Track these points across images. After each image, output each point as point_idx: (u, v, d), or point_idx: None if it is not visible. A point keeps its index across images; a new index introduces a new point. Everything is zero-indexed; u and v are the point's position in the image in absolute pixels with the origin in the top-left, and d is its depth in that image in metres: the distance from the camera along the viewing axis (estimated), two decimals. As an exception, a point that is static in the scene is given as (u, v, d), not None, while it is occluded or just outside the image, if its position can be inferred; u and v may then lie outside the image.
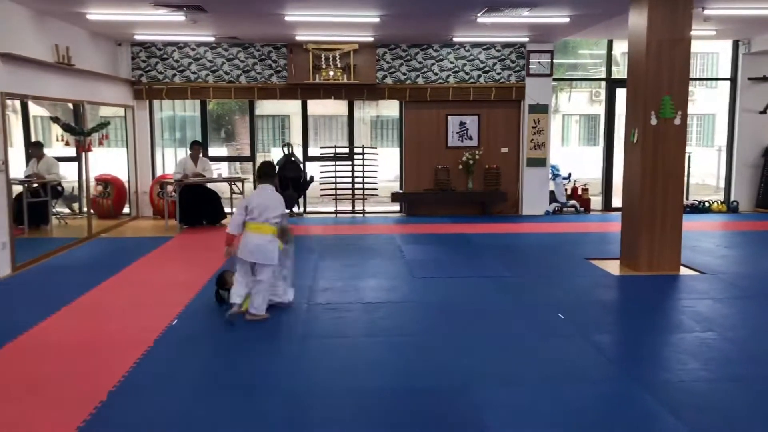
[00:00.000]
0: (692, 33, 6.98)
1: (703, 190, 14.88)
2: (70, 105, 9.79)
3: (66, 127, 9.25)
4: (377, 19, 8.90)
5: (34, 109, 10.32)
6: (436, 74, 11.57)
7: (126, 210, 11.55)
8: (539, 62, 11.51)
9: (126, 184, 11.43)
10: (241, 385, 4.04)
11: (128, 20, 8.96)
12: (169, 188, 10.31)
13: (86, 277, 6.86)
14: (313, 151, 12.13)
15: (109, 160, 11.46)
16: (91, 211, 9.93)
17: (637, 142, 7.10)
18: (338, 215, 11.82)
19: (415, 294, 6.27)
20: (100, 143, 9.91)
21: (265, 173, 5.65)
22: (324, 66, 11.06)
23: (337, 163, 11.79)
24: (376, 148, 12.17)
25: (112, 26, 9.47)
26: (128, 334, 5.02)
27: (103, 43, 10.30)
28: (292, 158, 11.53)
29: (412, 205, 11.83)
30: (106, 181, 11.15)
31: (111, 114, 11.57)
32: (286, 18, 8.76)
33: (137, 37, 10.59)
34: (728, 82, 12.24)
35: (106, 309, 5.76)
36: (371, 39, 10.75)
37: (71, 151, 10.09)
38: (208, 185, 10.58)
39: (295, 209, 11.78)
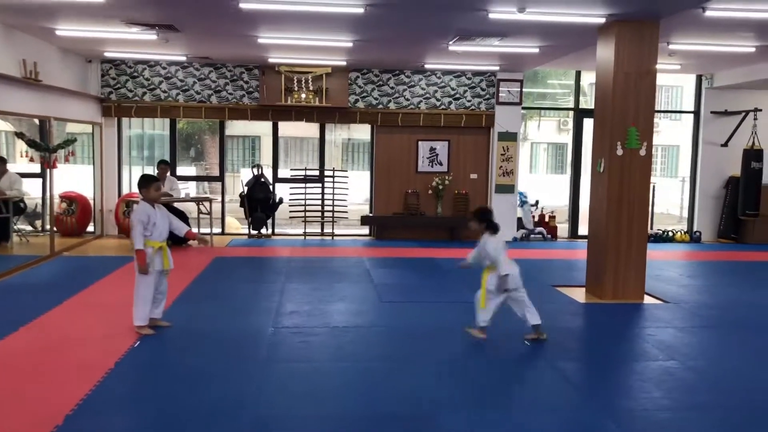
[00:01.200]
0: (658, 66, 7.16)
1: (667, 219, 15.16)
2: (36, 120, 9.64)
3: (31, 143, 9.09)
4: (350, 44, 8.96)
5: (-1, 124, 10.16)
6: (407, 100, 11.66)
7: (90, 228, 11.36)
8: (509, 91, 11.68)
9: (91, 202, 11.24)
10: (204, 409, 3.96)
11: (99, 37, 8.89)
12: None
13: (47, 296, 6.69)
14: (283, 173, 12.10)
15: (74, 178, 11.29)
16: (54, 228, 9.74)
17: (604, 171, 7.21)
18: (307, 237, 11.77)
19: (383, 318, 6.24)
20: (66, 160, 9.76)
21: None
22: (296, 88, 11.08)
23: (307, 185, 11.77)
24: (346, 171, 12.19)
25: (82, 42, 9.38)
26: (88, 356, 4.89)
27: (72, 59, 10.18)
28: (262, 179, 11.48)
29: (381, 229, 11.84)
30: (70, 199, 10.96)
31: (78, 130, 11.43)
32: (259, 40, 8.77)
33: (107, 54, 10.50)
34: (692, 115, 12.55)
35: (66, 330, 5.62)
36: (344, 63, 10.81)
37: (36, 168, 9.92)
38: (176, 205, 10.45)
39: (264, 230, 11.70)
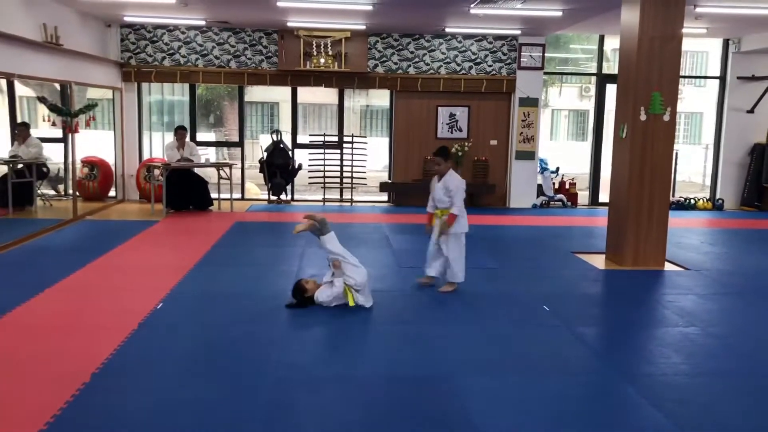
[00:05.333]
0: (683, 30, 7.01)
1: (689, 187, 14.99)
2: (57, 85, 9.69)
3: (53, 108, 9.15)
4: (370, 7, 8.86)
5: (21, 89, 10.21)
6: (427, 65, 11.55)
7: (112, 193, 11.47)
8: (531, 55, 11.51)
9: (113, 167, 11.34)
10: (227, 369, 4.03)
11: (118, 1, 8.87)
12: (156, 172, 10.24)
13: (70, 259, 6.80)
14: (302, 139, 12.09)
15: (96, 143, 11.37)
16: (77, 193, 9.85)
17: (626, 137, 7.13)
18: (326, 203, 11.80)
19: (402, 283, 6.28)
20: (87, 125, 9.82)
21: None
22: (315, 53, 11.01)
23: (326, 151, 11.76)
24: (365, 137, 12.15)
25: (102, 7, 9.37)
26: (112, 317, 4.99)
27: (92, 23, 10.18)
28: (281, 145, 11.48)
29: (400, 195, 11.84)
30: (92, 164, 11.06)
31: (99, 96, 11.47)
32: (278, 3, 8.70)
33: (127, 19, 10.48)
34: (717, 81, 12.31)
35: (91, 291, 5.72)
36: (363, 27, 10.70)
37: (58, 132, 10.00)
38: (196, 171, 10.52)
39: (283, 196, 11.74)
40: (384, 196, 12.25)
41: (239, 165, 11.94)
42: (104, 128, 12.28)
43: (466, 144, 11.60)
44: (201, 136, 12.79)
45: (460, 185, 5.86)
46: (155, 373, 3.97)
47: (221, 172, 10.71)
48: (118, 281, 6.08)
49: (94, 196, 11.03)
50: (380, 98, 15.20)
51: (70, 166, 9.74)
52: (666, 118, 7.03)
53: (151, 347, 4.40)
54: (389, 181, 11.94)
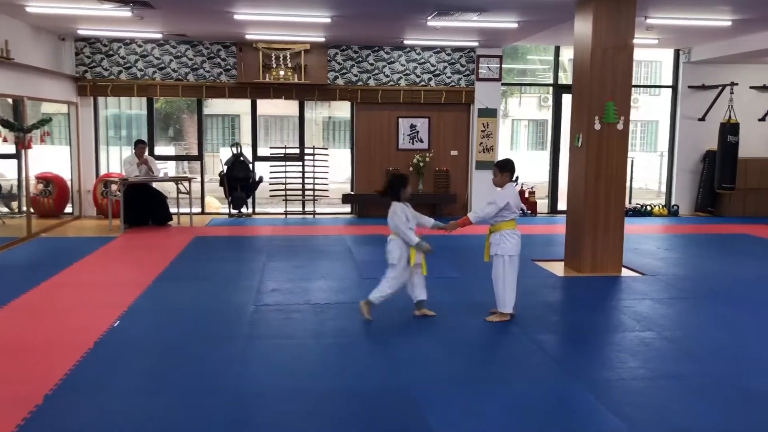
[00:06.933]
0: (635, 41, 7.18)
1: (646, 194, 15.31)
2: (9, 100, 9.47)
3: (4, 123, 8.93)
4: (328, 20, 8.88)
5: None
6: (387, 76, 11.61)
7: (68, 209, 11.24)
8: (488, 67, 11.66)
9: (69, 183, 11.12)
10: (184, 386, 3.97)
11: (71, 14, 8.71)
12: (114, 187, 10.06)
13: (24, 277, 6.64)
14: (263, 152, 12.02)
15: (51, 158, 11.14)
16: (31, 210, 9.62)
17: (582, 146, 7.25)
18: (288, 216, 11.74)
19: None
20: (42, 140, 9.61)
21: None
22: (274, 65, 10.97)
23: (287, 163, 11.71)
24: (327, 149, 12.14)
25: (54, 20, 9.20)
26: (68, 336, 4.88)
27: (45, 37, 9.98)
28: (241, 158, 11.41)
29: (363, 207, 11.84)
30: (47, 180, 10.82)
31: (54, 110, 11.26)
32: (236, 16, 8.66)
33: (81, 32, 10.31)
34: (670, 90, 12.63)
35: (44, 310, 5.59)
36: (323, 39, 10.72)
37: (11, 148, 9.76)
38: (155, 185, 10.38)
39: (244, 210, 11.65)
40: (347, 208, 12.24)
41: (199, 179, 11.81)
42: (60, 143, 12.05)
43: (427, 155, 11.67)
44: (160, 150, 12.64)
45: (498, 197, 5.49)
46: (110, 392, 3.88)
47: (180, 186, 10.58)
48: (73, 299, 5.95)
49: (50, 212, 10.78)
50: (343, 110, 15.23)
51: (24, 183, 9.51)
52: (620, 126, 7.18)
53: (106, 366, 4.31)
54: (352, 193, 11.94)
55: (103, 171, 11.53)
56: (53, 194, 10.85)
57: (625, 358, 4.61)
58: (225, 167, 11.39)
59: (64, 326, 5.15)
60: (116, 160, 11.98)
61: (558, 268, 7.53)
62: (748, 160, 11.92)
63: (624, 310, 5.85)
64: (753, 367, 4.48)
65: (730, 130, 11.38)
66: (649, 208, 12.46)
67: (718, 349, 4.84)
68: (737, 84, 11.56)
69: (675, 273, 7.41)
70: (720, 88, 11.81)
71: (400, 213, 5.38)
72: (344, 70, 11.50)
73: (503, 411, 3.69)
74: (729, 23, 9.00)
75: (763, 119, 12.22)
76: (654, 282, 6.94)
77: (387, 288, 5.36)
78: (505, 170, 5.55)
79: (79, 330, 5.01)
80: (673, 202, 12.59)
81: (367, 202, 11.77)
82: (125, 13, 8.38)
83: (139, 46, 11.05)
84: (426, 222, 5.66)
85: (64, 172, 11.13)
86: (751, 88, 12.11)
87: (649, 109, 20.22)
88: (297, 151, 11.84)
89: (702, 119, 12.21)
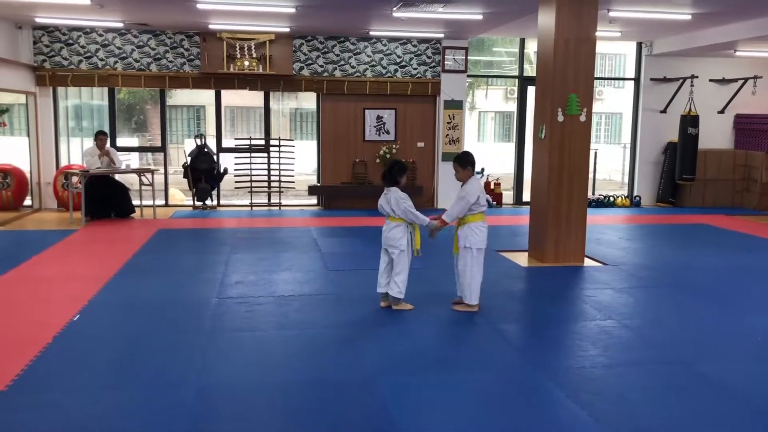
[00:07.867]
0: (598, 33, 7.26)
1: (609, 185, 15.53)
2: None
3: (-41, 114, 8.71)
4: (293, 10, 8.81)
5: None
6: (353, 68, 11.56)
7: (28, 202, 10.99)
8: (454, 58, 11.69)
9: (28, 175, 10.87)
10: (146, 381, 3.92)
11: (29, 1, 8.50)
12: (74, 179, 9.86)
13: (-20, 272, 6.48)
14: (228, 143, 11.90)
15: (9, 149, 10.88)
16: (-12, 202, 9.39)
17: (545, 138, 7.32)
18: (253, 208, 11.65)
19: (329, 287, 6.26)
20: (-2, 131, 9.39)
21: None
22: (239, 56, 10.85)
23: (253, 155, 11.61)
24: (292, 140, 12.06)
25: (10, 7, 8.96)
26: (25, 331, 4.77)
27: (0, 25, 9.72)
28: (205, 149, 11.28)
29: (329, 199, 11.80)
30: (5, 171, 10.57)
31: (11, 100, 10.98)
32: (198, 6, 8.54)
33: (39, 20, 10.05)
34: (633, 83, 12.81)
35: (3, 305, 5.46)
36: (287, 30, 10.63)
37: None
38: (117, 177, 10.20)
39: (209, 202, 11.53)
40: (313, 200, 12.20)
41: (162, 170, 11.64)
42: (19, 134, 11.77)
43: (394, 146, 11.67)
44: (122, 141, 12.43)
45: (467, 192, 5.46)
46: (69, 388, 3.81)
47: (143, 178, 10.42)
48: (31, 293, 5.83)
49: (8, 205, 10.55)
50: (310, 101, 15.13)
51: (-20, 175, 9.28)
52: (582, 118, 7.26)
53: (65, 361, 4.23)
54: (318, 185, 11.89)
55: (63, 162, 11.29)
56: (12, 186, 10.61)
57: (586, 346, 4.68)
58: (189, 158, 11.25)
59: (22, 321, 5.04)
60: (77, 152, 11.74)
61: (522, 259, 7.61)
62: (707, 152, 12.18)
63: (586, 300, 5.94)
64: (710, 354, 4.59)
65: (690, 122, 11.61)
66: (611, 199, 12.65)
67: (676, 336, 4.95)
68: (697, 77, 11.79)
69: (636, 262, 7.54)
70: (681, 80, 12.02)
71: (405, 197, 5.44)
72: (309, 61, 11.43)
73: (465, 400, 3.72)
74: (689, 17, 9.16)
75: (722, 111, 12.48)
76: (615, 272, 7.05)
77: (404, 277, 5.41)
78: (466, 165, 5.50)
79: (37, 325, 4.91)
80: (635, 193, 12.80)
81: (334, 194, 11.74)
82: (84, 1, 8.21)
83: (100, 35, 10.83)
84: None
85: (23, 163, 10.88)
86: (710, 81, 12.36)
87: (614, 101, 20.50)
88: (262, 142, 11.74)
89: (663, 111, 12.42)
